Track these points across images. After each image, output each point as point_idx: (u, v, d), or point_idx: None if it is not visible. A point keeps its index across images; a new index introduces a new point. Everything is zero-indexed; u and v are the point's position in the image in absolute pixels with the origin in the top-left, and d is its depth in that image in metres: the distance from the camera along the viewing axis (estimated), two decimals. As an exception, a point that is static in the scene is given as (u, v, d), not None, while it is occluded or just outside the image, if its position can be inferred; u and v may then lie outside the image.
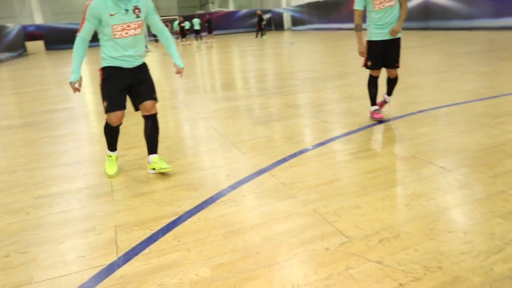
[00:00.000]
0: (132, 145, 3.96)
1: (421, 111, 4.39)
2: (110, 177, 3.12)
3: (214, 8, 48.84)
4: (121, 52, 2.84)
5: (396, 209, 2.29)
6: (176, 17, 33.54)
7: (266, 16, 35.13)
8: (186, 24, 29.71)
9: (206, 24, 25.23)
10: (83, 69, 12.78)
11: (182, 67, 3.17)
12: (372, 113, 4.19)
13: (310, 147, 3.45)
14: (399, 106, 4.74)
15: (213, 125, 4.49)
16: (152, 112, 3.02)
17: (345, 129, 3.94)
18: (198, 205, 2.52)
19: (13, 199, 2.84)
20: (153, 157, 3.08)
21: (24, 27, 30.16)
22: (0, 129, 5.13)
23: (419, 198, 2.40)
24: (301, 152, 3.35)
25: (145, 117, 3.04)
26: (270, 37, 24.76)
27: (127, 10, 2.77)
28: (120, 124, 3.02)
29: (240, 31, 36.41)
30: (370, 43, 4.14)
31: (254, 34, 28.27)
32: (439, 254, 1.82)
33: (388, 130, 3.84)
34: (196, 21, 25.77)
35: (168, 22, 32.42)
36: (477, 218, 2.12)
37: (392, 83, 4.26)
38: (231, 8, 47.65)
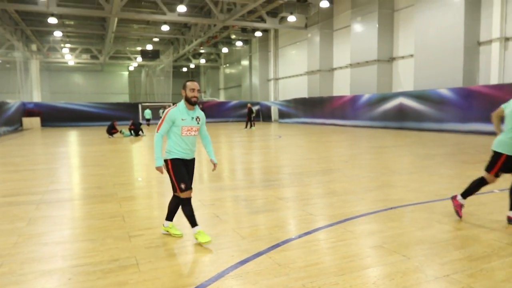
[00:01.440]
0: (146, 226, 4.60)
1: (391, 208, 5.22)
2: (207, 243, 3.90)
3: (206, 97, 51.93)
4: (183, 146, 3.97)
5: (366, 286, 2.98)
6: (166, 104, 35.57)
7: (255, 108, 37.57)
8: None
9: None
10: (73, 150, 13.60)
11: (216, 163, 4.35)
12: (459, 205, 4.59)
13: (299, 236, 4.17)
14: (374, 202, 5.58)
15: (215, 212, 5.20)
16: (189, 196, 4.12)
17: (327, 221, 4.71)
18: (209, 279, 3.16)
19: (53, 266, 3.42)
20: (170, 223, 4.26)
21: (23, 104, 31.54)
22: None
23: (384, 279, 3.10)
24: (291, 239, 4.06)
25: (181, 197, 4.08)
26: (258, 128, 26.40)
27: (192, 118, 3.97)
28: (191, 197, 4.07)
29: (229, 120, 38.54)
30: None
31: (243, 124, 30.00)
32: (395, 318, 2.49)
33: (363, 224, 4.62)
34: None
35: (162, 108, 34.40)
36: (425, 295, 2.82)
37: None
38: (222, 98, 50.75)
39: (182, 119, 3.92)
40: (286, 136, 19.70)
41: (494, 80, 18.59)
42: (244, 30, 36.10)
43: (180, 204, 4.10)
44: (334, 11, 29.69)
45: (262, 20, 30.47)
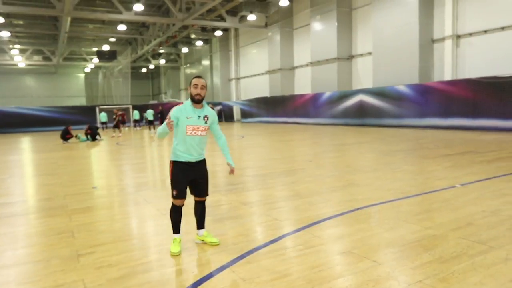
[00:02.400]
0: (98, 241, 4.20)
1: (357, 209, 5.09)
2: (174, 255, 3.71)
3: (166, 98, 50.82)
4: (187, 147, 3.75)
5: (337, 299, 2.78)
6: (124, 107, 34.49)
7: (217, 108, 37.13)
8: (135, 114, 30.66)
9: (159, 115, 26.18)
10: (23, 157, 12.75)
11: (234, 167, 4.11)
12: None
13: (264, 244, 3.93)
14: (339, 203, 5.44)
15: (175, 222, 4.87)
16: (203, 200, 4.01)
17: (293, 226, 4.50)
18: (168, 301, 2.85)
19: (-14, 300, 2.99)
20: (204, 231, 4.03)
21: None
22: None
23: (355, 289, 2.91)
24: (256, 248, 3.81)
25: (197, 202, 4.00)
26: (221, 129, 25.94)
27: (199, 116, 3.76)
28: (183, 205, 3.87)
29: (191, 121, 37.81)
30: None
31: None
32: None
33: (330, 227, 4.45)
34: (149, 112, 26.72)
35: (123, 112, 33.25)
36: (399, 305, 2.65)
37: None
38: (182, 99, 49.85)
39: (187, 118, 3.72)
40: (249, 136, 19.50)
41: (447, 76, 19.24)
42: (204, 29, 35.57)
43: (171, 208, 3.91)
44: (293, 9, 29.80)
45: (222, 19, 30.10)
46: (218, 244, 3.94)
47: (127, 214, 5.34)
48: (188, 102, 3.81)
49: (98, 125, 30.23)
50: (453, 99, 17.86)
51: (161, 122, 26.12)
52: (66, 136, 19.28)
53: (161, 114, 26.04)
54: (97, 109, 32.62)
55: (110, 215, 5.31)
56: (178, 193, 3.79)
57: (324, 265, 3.38)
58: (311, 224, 4.53)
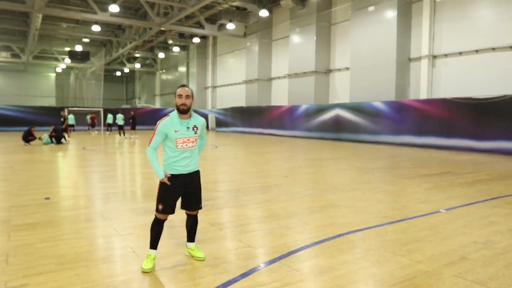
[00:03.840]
0: (37, 270, 3.52)
1: (339, 235, 4.60)
2: (145, 271, 3.47)
3: (140, 103, 49.57)
4: (179, 160, 3.55)
5: None
6: (94, 110, 33.25)
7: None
8: (109, 118, 29.55)
9: (130, 120, 25.20)
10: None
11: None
12: None
13: (234, 280, 3.36)
14: (319, 228, 4.94)
15: (132, 246, 4.23)
16: (195, 213, 3.85)
17: (268, 255, 3.95)
18: None
19: None
20: (191, 245, 3.86)
21: None
22: None
23: None
24: (224, 285, 3.23)
25: (188, 215, 3.84)
26: (194, 137, 25.24)
27: (188, 128, 3.54)
28: (166, 219, 3.70)
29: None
30: None
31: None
32: None
33: (309, 258, 3.92)
34: (119, 116, 25.67)
35: (94, 115, 31.98)
36: None
37: None
38: (157, 105, 48.77)
39: (176, 131, 3.52)
40: (223, 146, 18.90)
41: (423, 94, 19.34)
42: (181, 35, 34.87)
43: (153, 220, 3.69)
44: (273, 21, 29.60)
45: (201, 26, 29.56)
46: (203, 260, 3.77)
47: (78, 234, 4.64)
48: (174, 114, 3.59)
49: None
50: (428, 118, 17.90)
51: (133, 128, 25.12)
52: (28, 137, 18.13)
53: (133, 120, 25.05)
54: (65, 111, 31.24)
55: (57, 235, 4.59)
56: (164, 208, 3.60)
57: (304, 310, 2.85)
58: (289, 254, 3.99)
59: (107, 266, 3.65)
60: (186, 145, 3.57)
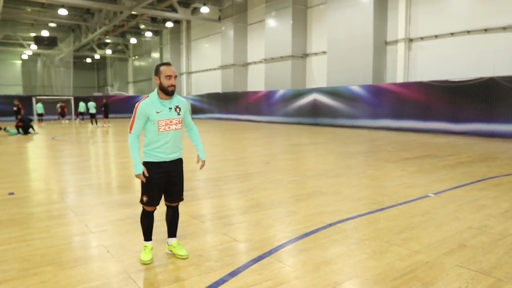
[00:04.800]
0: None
1: (330, 225, 4.33)
2: (145, 263, 3.32)
3: (113, 91, 48.07)
4: (162, 146, 3.27)
5: None
6: (64, 98, 32.01)
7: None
8: (80, 106, 28.45)
9: (103, 108, 24.29)
10: None
11: (204, 161, 3.65)
12: None
13: (222, 280, 3.03)
14: (308, 218, 4.66)
15: (106, 244, 3.83)
16: (176, 205, 3.54)
17: (256, 250, 3.64)
18: None
19: None
20: (172, 241, 3.54)
21: None
22: None
23: None
24: (211, 287, 2.91)
25: (168, 206, 3.53)
26: (170, 125, 24.60)
27: (170, 108, 3.26)
28: (155, 209, 3.46)
29: (139, 116, 35.88)
30: None
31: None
32: None
33: (302, 251, 3.64)
34: (91, 104, 24.69)
35: (64, 103, 30.69)
36: None
37: None
38: (130, 92, 47.42)
39: (157, 112, 3.23)
40: (200, 132, 18.35)
41: (400, 78, 19.33)
42: (154, 20, 33.76)
43: (141, 212, 3.47)
44: (248, 4, 28.96)
45: (174, 10, 28.62)
46: (186, 258, 3.44)
47: (45, 233, 4.18)
48: (154, 94, 3.29)
49: (34, 117, 27.71)
50: (405, 101, 17.92)
51: (105, 116, 24.22)
52: (-9, 128, 17.15)
53: (105, 108, 24.13)
54: (33, 100, 29.85)
55: (21, 235, 4.12)
56: (150, 200, 3.36)
57: (303, 313, 2.55)
58: (278, 247, 3.69)
59: (77, 270, 3.24)
60: (169, 127, 3.28)
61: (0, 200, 5.67)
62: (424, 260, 3.38)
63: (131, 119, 3.26)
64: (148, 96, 3.28)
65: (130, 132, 3.26)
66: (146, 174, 3.26)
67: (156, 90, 3.30)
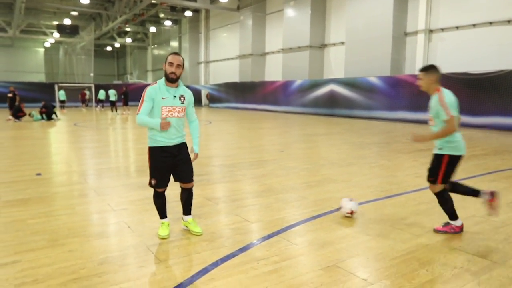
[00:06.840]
0: (28, 247, 3.41)
1: (337, 209, 4.52)
2: (162, 238, 3.60)
3: (132, 79, 48.78)
4: (165, 130, 3.43)
5: (325, 336, 2.18)
6: (86, 86, 32.68)
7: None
8: (100, 94, 29.07)
9: (123, 96, 24.83)
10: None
11: (197, 153, 3.73)
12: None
13: (232, 254, 3.28)
14: (317, 202, 4.87)
15: (126, 221, 4.13)
16: (189, 187, 3.74)
17: (266, 230, 3.88)
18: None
19: None
20: (188, 218, 3.80)
21: None
22: None
23: (346, 321, 2.33)
24: (222, 260, 3.16)
25: (183, 188, 3.74)
26: (187, 113, 24.97)
27: (175, 96, 3.47)
28: (165, 190, 3.70)
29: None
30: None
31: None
32: None
33: (308, 232, 3.86)
34: (111, 92, 25.25)
35: (85, 91, 31.37)
36: None
37: None
38: (149, 80, 48.04)
39: (163, 98, 3.43)
40: (217, 121, 18.71)
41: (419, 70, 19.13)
42: (173, 9, 33.97)
43: (153, 194, 3.71)
44: (267, -7, 28.92)
45: (193, -1, 28.80)
46: (200, 235, 3.69)
47: (70, 210, 4.52)
48: (161, 81, 3.50)
49: (57, 103, 28.45)
50: (423, 93, 17.53)
51: (125, 104, 24.76)
52: (17, 114, 17.79)
53: (125, 95, 24.67)
54: (56, 87, 30.63)
55: (49, 210, 4.47)
56: (158, 183, 3.59)
57: (305, 285, 2.78)
58: (287, 228, 3.92)
59: (101, 242, 3.55)
60: (172, 114, 3.48)
61: (29, 180, 6.05)
62: (424, 243, 3.56)
63: (140, 101, 3.44)
64: (156, 82, 3.50)
65: (138, 113, 3.43)
66: (169, 122, 3.39)
67: (163, 78, 3.50)
